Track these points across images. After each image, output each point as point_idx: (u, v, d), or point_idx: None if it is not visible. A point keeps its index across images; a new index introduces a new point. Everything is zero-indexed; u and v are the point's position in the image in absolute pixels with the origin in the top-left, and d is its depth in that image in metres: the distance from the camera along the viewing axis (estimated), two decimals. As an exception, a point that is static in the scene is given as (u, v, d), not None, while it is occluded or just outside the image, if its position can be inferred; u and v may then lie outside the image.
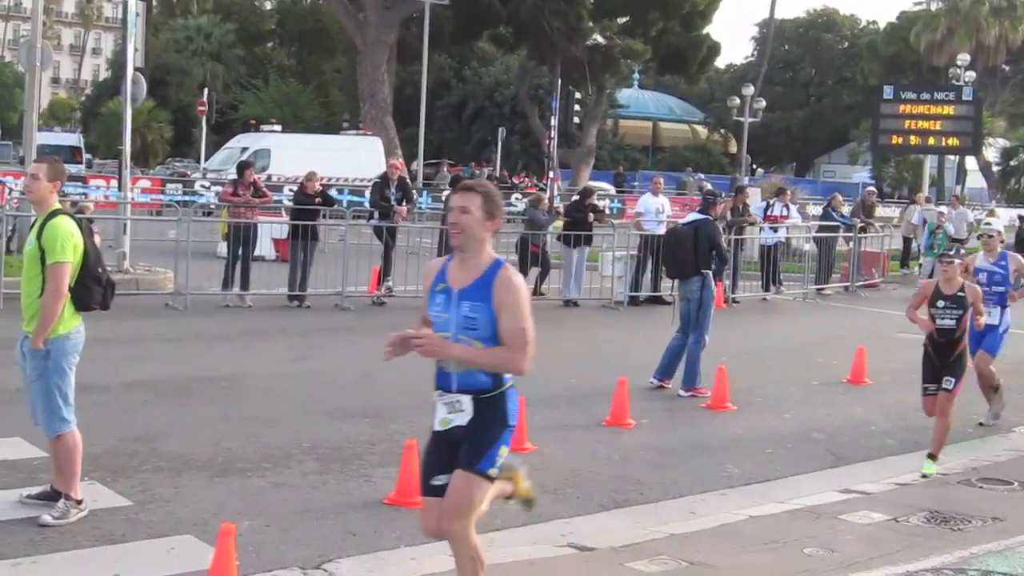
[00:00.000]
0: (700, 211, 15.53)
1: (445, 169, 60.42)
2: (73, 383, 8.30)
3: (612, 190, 58.81)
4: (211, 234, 25.44)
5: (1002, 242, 14.32)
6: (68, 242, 8.04)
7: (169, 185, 44.35)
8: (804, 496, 9.83)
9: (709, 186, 60.53)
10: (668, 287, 24.73)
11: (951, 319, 11.20)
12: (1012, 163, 44.71)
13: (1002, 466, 11.28)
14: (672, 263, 15.62)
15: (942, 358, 11.24)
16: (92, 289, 8.19)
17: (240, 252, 20.67)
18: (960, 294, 11.28)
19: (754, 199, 30.83)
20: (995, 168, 74.45)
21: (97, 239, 8.64)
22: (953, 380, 11.14)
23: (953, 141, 37.67)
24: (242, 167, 22.03)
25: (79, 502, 8.22)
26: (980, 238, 14.01)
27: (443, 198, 32.18)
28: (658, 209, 24.94)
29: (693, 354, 14.64)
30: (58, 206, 8.29)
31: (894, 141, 39.01)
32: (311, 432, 11.23)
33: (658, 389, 14.62)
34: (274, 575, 7.45)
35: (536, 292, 23.18)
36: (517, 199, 48.49)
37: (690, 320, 14.89)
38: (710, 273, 15.11)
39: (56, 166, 8.46)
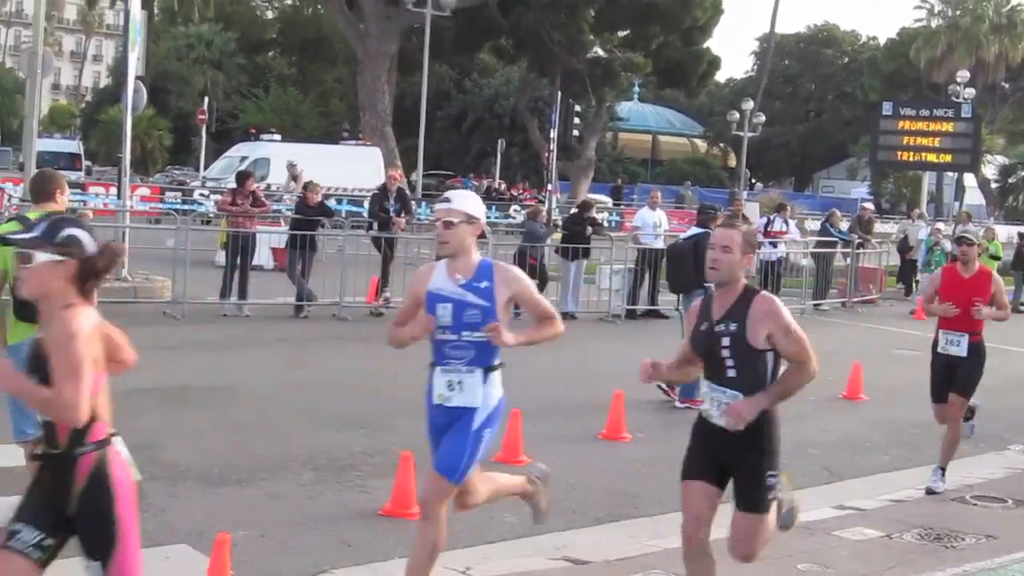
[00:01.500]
0: (699, 224, 15.58)
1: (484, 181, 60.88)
2: None
3: (610, 203, 58.90)
4: (209, 243, 25.45)
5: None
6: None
7: (168, 193, 44.34)
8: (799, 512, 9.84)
9: (690, 194, 60.68)
10: (667, 301, 24.82)
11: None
12: (1011, 180, 44.82)
13: (997, 483, 11.30)
14: (674, 277, 15.67)
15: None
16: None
17: (238, 261, 20.70)
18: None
19: (753, 214, 30.90)
20: (993, 185, 74.55)
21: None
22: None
23: (951, 158, 37.73)
24: (241, 177, 22.06)
25: None
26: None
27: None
28: (655, 223, 25.00)
29: None
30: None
31: (893, 157, 39.06)
32: (307, 442, 11.24)
33: (662, 403, 14.60)
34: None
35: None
36: (516, 211, 48.54)
37: None
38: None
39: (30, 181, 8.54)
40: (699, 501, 6.67)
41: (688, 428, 13.38)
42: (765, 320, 6.54)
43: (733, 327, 6.59)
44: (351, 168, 46.13)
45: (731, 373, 6.63)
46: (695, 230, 15.52)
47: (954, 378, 11.00)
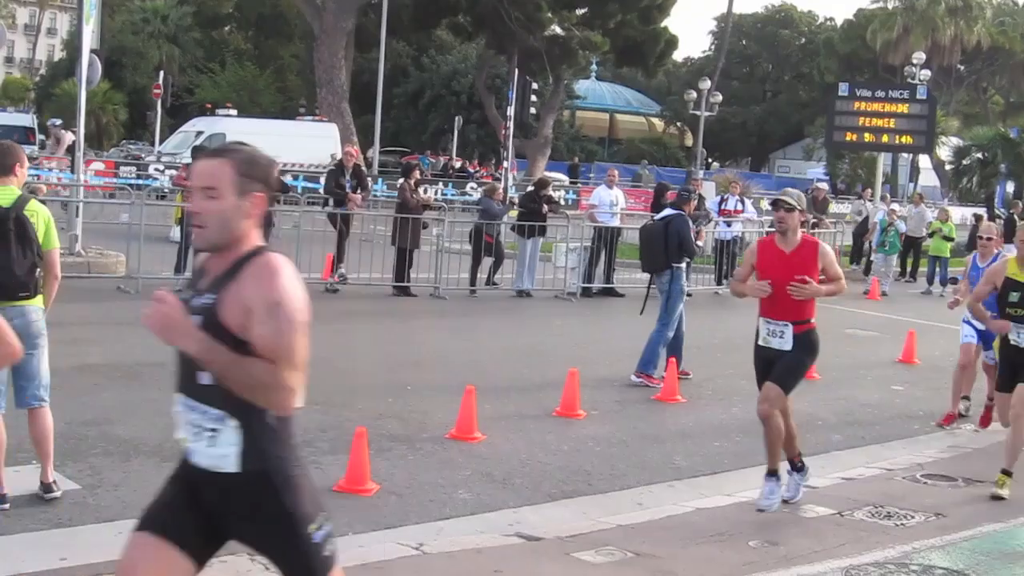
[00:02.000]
0: (672, 206, 15.74)
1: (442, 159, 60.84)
2: None
3: (566, 181, 58.94)
4: (164, 218, 25.31)
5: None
6: None
7: (123, 168, 44.06)
8: (751, 489, 9.89)
9: (647, 173, 60.78)
10: (620, 280, 24.92)
11: None
12: (964, 162, 45.01)
13: (946, 463, 11.41)
14: (645, 257, 15.81)
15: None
16: None
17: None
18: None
19: (710, 193, 30.99)
20: (948, 167, 74.91)
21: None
22: None
23: (907, 139, 37.89)
24: (197, 152, 21.90)
25: None
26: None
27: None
28: (612, 201, 25.06)
29: (654, 342, 14.81)
30: None
31: (848, 138, 39.18)
32: (261, 418, 11.20)
33: (637, 386, 14.60)
34: (221, 560, 7.44)
35: (489, 282, 23.27)
36: (472, 188, 48.51)
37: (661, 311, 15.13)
38: (682, 267, 15.31)
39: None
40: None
41: (643, 407, 13.51)
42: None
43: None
44: (307, 144, 45.99)
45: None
46: (668, 212, 15.62)
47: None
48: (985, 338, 12.80)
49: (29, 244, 8.10)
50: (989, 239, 13.62)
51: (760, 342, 9.56)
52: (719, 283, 26.21)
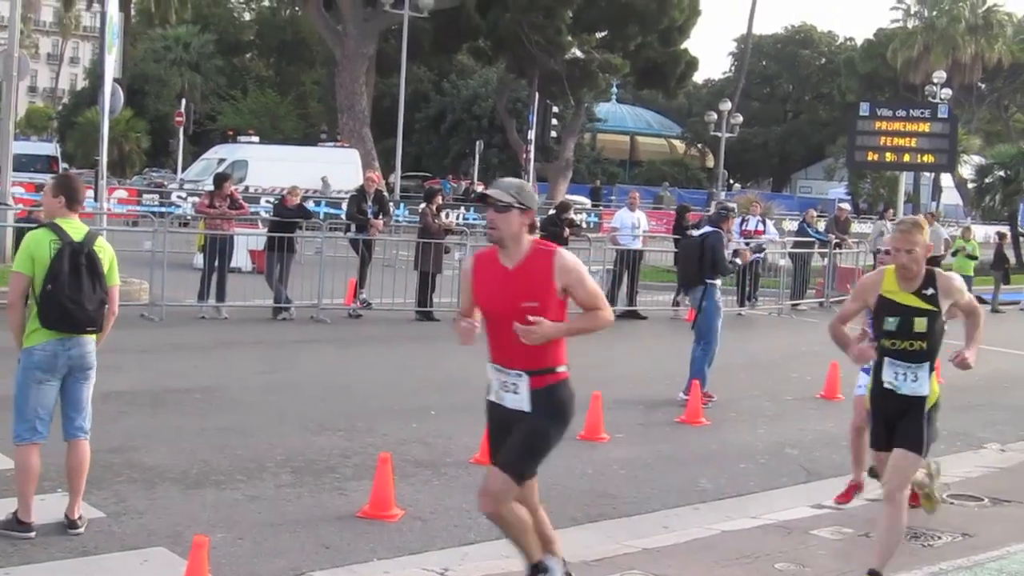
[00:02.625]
0: (711, 224, 15.85)
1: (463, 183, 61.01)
2: (41, 401, 8.14)
3: (588, 204, 58.98)
4: (187, 245, 25.40)
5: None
6: (24, 254, 8.13)
7: (146, 195, 44.28)
8: (777, 511, 9.86)
9: (668, 195, 60.90)
10: (643, 302, 24.92)
11: None
12: (987, 180, 44.79)
13: (972, 482, 11.33)
14: (681, 273, 16.02)
15: None
16: (49, 307, 8.09)
17: (216, 264, 20.66)
18: None
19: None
20: (970, 185, 74.61)
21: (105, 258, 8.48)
22: None
23: (928, 158, 37.73)
24: (219, 179, 22.00)
25: (22, 524, 8.05)
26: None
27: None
28: (634, 224, 25.07)
29: (699, 361, 14.92)
30: (44, 220, 8.38)
31: (870, 157, 39.02)
32: (285, 444, 11.23)
33: (639, 404, 14.64)
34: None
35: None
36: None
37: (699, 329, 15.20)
38: (716, 284, 15.36)
39: (62, 182, 8.50)
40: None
41: (668, 429, 13.46)
42: None
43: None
44: (329, 170, 46.14)
45: None
46: (706, 228, 15.79)
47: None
48: None
49: (99, 279, 8.20)
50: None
51: (491, 397, 6.79)
52: (741, 304, 26.15)
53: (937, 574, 8.07)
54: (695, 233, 16.47)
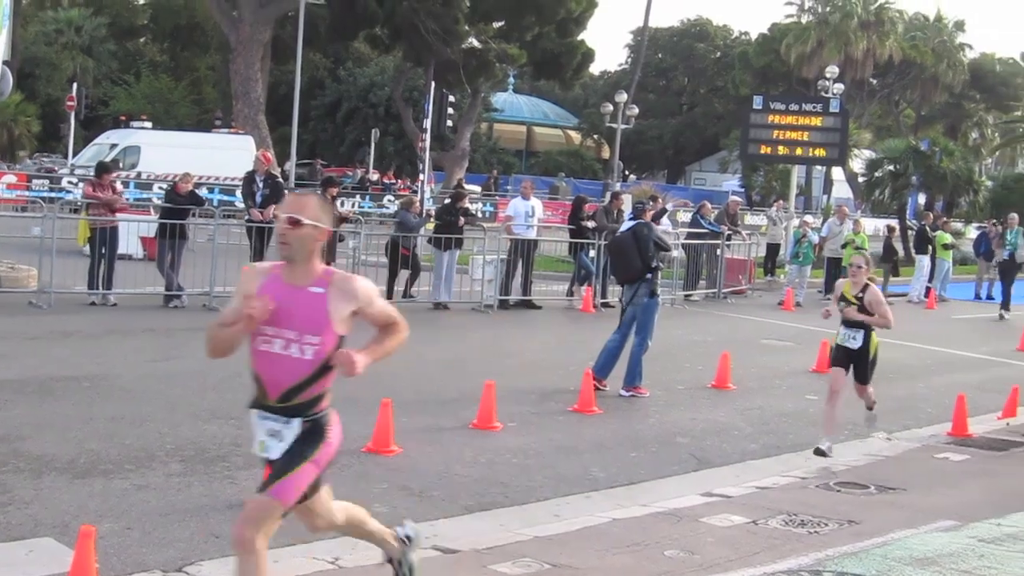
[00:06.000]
0: (632, 217, 15.96)
1: (318, 166, 60.47)
2: None
3: (479, 191, 59.16)
4: (77, 231, 25.03)
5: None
6: None
7: (35, 181, 43.55)
8: (667, 499, 9.96)
9: (564, 185, 61.32)
10: (538, 292, 25.00)
11: None
12: (877, 174, 45.42)
13: (859, 470, 11.54)
14: (619, 269, 15.99)
15: None
16: None
17: (104, 251, 20.34)
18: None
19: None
20: (860, 179, 75.78)
21: None
22: None
23: (820, 152, 38.26)
24: (100, 169, 21.57)
25: None
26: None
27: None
28: (527, 212, 25.11)
29: (636, 355, 15.07)
30: None
31: (763, 150, 39.50)
32: (176, 433, 11.12)
33: (532, 393, 14.70)
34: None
35: (406, 295, 23.20)
36: (389, 201, 48.50)
37: (633, 322, 15.21)
38: (656, 276, 15.49)
39: None
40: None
41: (560, 418, 13.53)
42: None
43: None
44: (223, 157, 45.67)
45: None
46: (628, 222, 15.89)
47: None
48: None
49: None
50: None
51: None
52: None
53: (823, 560, 8.19)
54: (622, 228, 16.46)
